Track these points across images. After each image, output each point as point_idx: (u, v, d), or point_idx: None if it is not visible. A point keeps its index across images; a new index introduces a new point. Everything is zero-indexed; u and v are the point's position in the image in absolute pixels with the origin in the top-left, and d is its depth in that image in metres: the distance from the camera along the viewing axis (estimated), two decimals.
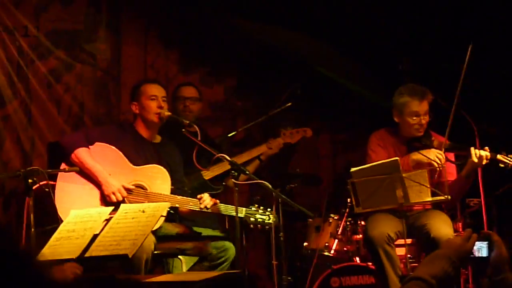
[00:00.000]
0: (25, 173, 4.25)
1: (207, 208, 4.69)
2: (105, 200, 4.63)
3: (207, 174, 5.27)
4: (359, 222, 5.57)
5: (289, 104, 5.74)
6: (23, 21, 6.05)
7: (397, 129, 5.28)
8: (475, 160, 4.89)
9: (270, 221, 4.73)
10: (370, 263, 5.23)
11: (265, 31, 6.82)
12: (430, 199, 4.82)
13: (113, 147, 4.76)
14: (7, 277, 1.49)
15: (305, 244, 5.66)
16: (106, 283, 1.63)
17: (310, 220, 5.67)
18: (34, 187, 4.23)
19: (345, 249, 5.55)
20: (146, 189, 4.71)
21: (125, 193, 4.63)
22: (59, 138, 5.40)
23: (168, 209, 4.46)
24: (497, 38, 6.16)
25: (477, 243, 2.35)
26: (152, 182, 4.72)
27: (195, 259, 4.99)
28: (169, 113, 4.94)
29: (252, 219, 4.73)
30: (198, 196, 4.73)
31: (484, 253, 2.37)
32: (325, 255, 5.52)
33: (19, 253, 1.55)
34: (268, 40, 6.89)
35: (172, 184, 4.75)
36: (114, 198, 4.59)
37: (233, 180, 4.57)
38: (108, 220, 4.05)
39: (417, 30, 6.46)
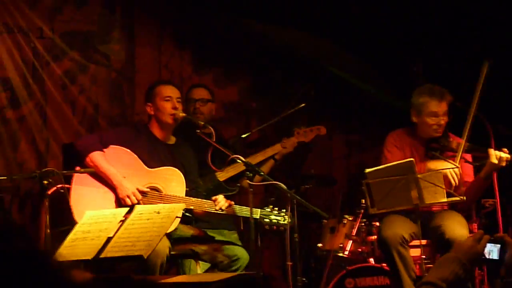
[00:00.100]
0: (40, 174, 4.27)
1: (222, 210, 4.69)
2: (119, 204, 4.63)
3: (222, 176, 5.26)
4: (373, 223, 5.55)
5: (303, 104, 5.72)
6: (38, 22, 6.08)
7: (414, 129, 5.25)
8: (495, 161, 4.86)
9: (285, 222, 4.72)
10: (384, 264, 5.22)
11: (279, 32, 6.82)
12: (445, 200, 4.81)
13: (128, 150, 4.76)
14: (26, 277, 1.50)
15: (319, 245, 5.65)
16: (123, 283, 1.64)
17: (325, 221, 5.66)
18: (49, 191, 4.24)
19: (359, 250, 5.53)
20: (161, 192, 4.71)
21: (139, 196, 4.63)
22: (74, 139, 5.42)
23: (184, 212, 4.47)
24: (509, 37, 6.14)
25: (488, 245, 2.34)
26: (167, 185, 4.72)
27: (208, 264, 4.99)
28: (184, 114, 4.94)
29: (267, 220, 4.73)
30: (213, 198, 4.73)
31: (495, 255, 2.36)
32: (339, 256, 5.50)
33: (38, 253, 1.56)
34: (281, 41, 6.89)
35: (187, 185, 4.75)
36: (128, 201, 4.60)
37: (247, 181, 4.56)
38: (123, 221, 4.06)
39: (431, 31, 6.44)
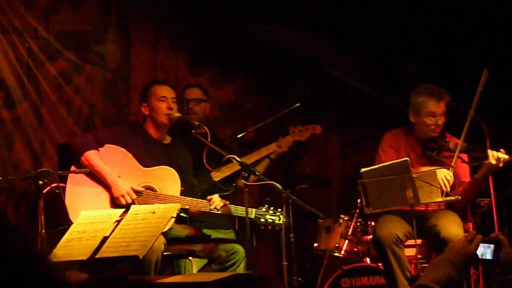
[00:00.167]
0: (35, 174, 4.26)
1: (217, 210, 4.69)
2: (114, 203, 4.63)
3: (217, 175, 5.26)
4: (369, 223, 5.57)
5: (298, 104, 5.73)
6: (33, 23, 6.07)
7: (411, 129, 5.26)
8: (493, 162, 4.87)
9: (280, 222, 4.73)
10: (380, 264, 5.22)
11: (274, 31, 6.82)
12: (440, 199, 4.81)
13: (123, 149, 4.76)
14: (20, 277, 1.50)
15: (315, 244, 5.66)
16: (119, 283, 1.63)
17: (320, 220, 5.67)
18: (45, 191, 4.24)
19: (355, 249, 5.54)
20: (156, 191, 4.71)
21: (134, 196, 4.63)
22: (69, 140, 5.42)
23: (179, 212, 4.47)
24: (507, 38, 6.15)
25: (482, 246, 2.35)
26: (162, 184, 4.72)
27: (205, 260, 4.99)
28: (179, 114, 4.94)
29: (262, 220, 4.73)
30: (208, 198, 4.73)
31: (489, 256, 2.37)
32: (335, 255, 5.51)
33: (32, 253, 1.55)
34: (277, 40, 6.89)
35: (182, 184, 4.75)
36: (123, 201, 4.60)
37: (243, 181, 4.57)
38: (118, 222, 4.06)
39: (427, 30, 6.45)
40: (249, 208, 4.56)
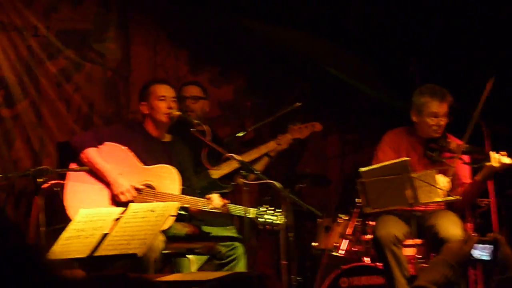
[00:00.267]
0: (34, 172, 4.26)
1: (217, 209, 4.69)
2: (114, 200, 4.64)
3: (216, 173, 5.26)
4: (368, 223, 5.56)
5: (298, 104, 5.72)
6: (33, 21, 6.07)
7: (413, 129, 5.25)
8: (495, 164, 4.86)
9: (280, 222, 4.73)
10: (379, 263, 5.22)
11: (274, 31, 6.82)
12: (440, 199, 4.81)
13: (123, 147, 4.76)
14: (19, 274, 1.50)
15: (314, 244, 5.66)
16: (119, 281, 1.64)
17: (320, 220, 5.66)
18: (43, 186, 4.23)
19: (354, 249, 5.54)
20: (156, 189, 4.71)
21: (134, 193, 4.63)
22: (68, 138, 5.42)
23: (179, 211, 4.47)
24: (506, 36, 6.15)
25: (479, 247, 2.36)
26: (162, 182, 4.72)
27: (204, 258, 5.00)
28: (179, 113, 4.94)
29: (261, 219, 4.73)
30: (207, 197, 4.73)
31: (486, 256, 2.37)
32: (334, 255, 5.51)
33: (31, 250, 1.55)
34: (277, 40, 6.89)
35: (182, 183, 4.75)
36: (123, 198, 4.60)
37: (242, 180, 4.56)
38: (117, 220, 4.06)
39: (428, 30, 6.45)
40: (248, 208, 4.55)
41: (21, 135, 6.03)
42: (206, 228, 5.07)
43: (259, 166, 5.38)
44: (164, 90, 4.96)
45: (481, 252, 2.36)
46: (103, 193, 4.65)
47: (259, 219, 4.72)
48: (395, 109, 6.51)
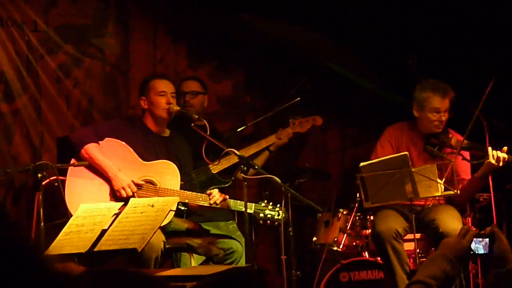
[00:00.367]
0: (34, 167, 4.26)
1: (216, 204, 4.69)
2: (114, 196, 4.64)
3: (215, 168, 5.25)
4: (368, 217, 5.57)
5: (298, 99, 5.72)
6: (32, 16, 6.06)
7: (414, 123, 5.25)
8: (493, 161, 4.86)
9: (279, 217, 4.73)
10: (379, 258, 5.23)
11: (274, 26, 6.82)
12: (439, 193, 4.82)
13: (123, 142, 4.76)
14: (14, 268, 1.49)
15: (314, 239, 5.66)
16: (117, 276, 1.63)
17: (319, 215, 5.66)
18: (44, 182, 4.23)
19: (354, 244, 5.54)
20: (156, 185, 4.71)
21: (134, 188, 4.63)
22: (68, 133, 5.41)
23: (178, 205, 4.47)
24: (505, 31, 6.14)
25: (476, 240, 2.35)
26: (162, 178, 4.72)
27: (202, 258, 4.99)
28: (178, 108, 4.94)
29: (261, 215, 4.73)
30: (208, 192, 4.73)
31: (483, 250, 2.37)
32: (334, 250, 5.51)
33: (27, 245, 1.55)
34: (276, 35, 6.88)
35: (181, 178, 4.75)
36: (123, 194, 4.60)
37: (242, 174, 4.56)
38: (117, 215, 4.06)
39: (427, 24, 6.44)
40: (248, 203, 4.55)
41: (20, 130, 6.03)
42: (206, 225, 5.07)
43: (259, 161, 5.37)
44: (164, 85, 4.95)
45: (478, 246, 2.35)
46: (104, 189, 4.65)
47: (259, 214, 4.72)
48: (394, 104, 6.51)
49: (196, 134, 4.86)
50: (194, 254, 4.94)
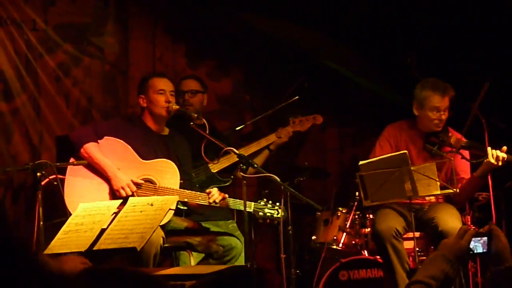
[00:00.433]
0: (33, 166, 4.26)
1: (216, 203, 4.69)
2: (114, 195, 4.63)
3: (215, 167, 5.25)
4: (367, 216, 5.57)
5: (296, 97, 5.71)
6: (31, 14, 6.06)
7: (414, 122, 5.26)
8: (492, 160, 4.86)
9: (279, 215, 4.73)
10: (378, 257, 5.23)
11: (272, 25, 6.81)
12: (438, 192, 4.82)
13: (122, 142, 4.76)
14: (9, 269, 1.48)
15: (313, 237, 5.66)
16: (114, 276, 1.62)
17: (319, 213, 5.66)
18: (43, 182, 4.23)
19: (353, 242, 5.54)
20: (155, 184, 4.71)
21: (134, 188, 4.63)
22: (67, 132, 5.41)
23: (178, 204, 4.47)
24: (505, 31, 6.14)
25: (474, 240, 2.35)
26: (161, 177, 4.72)
27: (201, 255, 4.99)
28: (177, 107, 4.93)
29: (260, 213, 4.73)
30: (207, 191, 4.73)
31: (481, 249, 2.37)
32: (333, 248, 5.51)
33: (22, 246, 1.54)
34: (275, 34, 6.88)
35: (181, 177, 4.75)
36: (123, 193, 4.60)
37: (241, 173, 4.56)
38: (116, 214, 4.06)
39: (425, 23, 6.44)
40: (247, 202, 4.55)
41: (19, 129, 6.03)
42: (205, 224, 5.07)
43: (259, 160, 5.37)
44: (163, 84, 4.95)
45: (476, 245, 2.35)
46: (103, 188, 4.65)
47: (258, 213, 4.72)
48: (393, 102, 6.51)
49: (195, 133, 4.86)
50: (193, 253, 4.94)
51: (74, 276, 1.61)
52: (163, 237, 4.49)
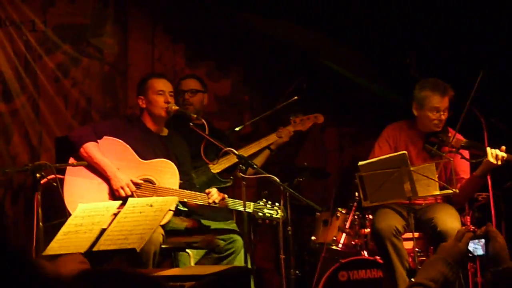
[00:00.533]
0: (33, 167, 4.26)
1: (215, 203, 4.69)
2: (113, 195, 4.63)
3: (215, 167, 5.25)
4: (367, 216, 5.57)
5: (296, 97, 5.71)
6: (30, 15, 6.06)
7: (414, 122, 5.26)
8: (492, 160, 4.86)
9: (278, 216, 4.73)
10: (378, 257, 5.23)
11: (272, 25, 6.81)
12: (438, 192, 4.82)
13: (122, 141, 4.76)
14: (4, 272, 1.47)
15: (313, 238, 5.65)
16: (112, 277, 1.62)
17: (318, 214, 5.66)
18: (42, 182, 4.23)
19: (353, 243, 5.54)
20: (155, 184, 4.71)
21: (133, 188, 4.63)
22: (66, 133, 5.41)
23: (177, 205, 4.47)
24: (505, 31, 6.14)
25: (473, 242, 2.36)
26: (161, 177, 4.72)
27: (202, 252, 4.99)
28: (177, 107, 4.93)
29: (260, 214, 4.73)
30: (206, 191, 4.73)
31: (480, 251, 2.37)
32: (333, 249, 5.51)
33: (17, 248, 1.53)
34: (274, 34, 6.88)
35: (180, 177, 4.75)
36: (122, 193, 4.60)
37: (241, 174, 4.56)
38: (116, 214, 4.06)
39: (425, 23, 6.44)
40: (247, 202, 4.55)
41: (19, 130, 6.03)
42: (206, 222, 5.07)
43: (259, 160, 5.37)
44: (162, 84, 4.95)
45: (476, 247, 2.35)
46: (102, 188, 4.65)
47: (258, 213, 4.72)
48: (393, 103, 6.50)
49: (195, 133, 4.86)
50: (193, 250, 4.93)
51: (71, 279, 1.61)
52: (162, 235, 4.49)
